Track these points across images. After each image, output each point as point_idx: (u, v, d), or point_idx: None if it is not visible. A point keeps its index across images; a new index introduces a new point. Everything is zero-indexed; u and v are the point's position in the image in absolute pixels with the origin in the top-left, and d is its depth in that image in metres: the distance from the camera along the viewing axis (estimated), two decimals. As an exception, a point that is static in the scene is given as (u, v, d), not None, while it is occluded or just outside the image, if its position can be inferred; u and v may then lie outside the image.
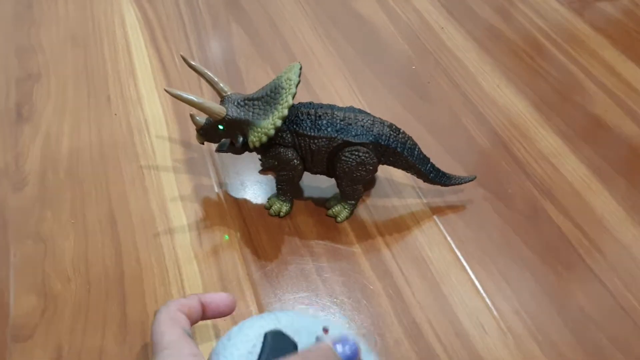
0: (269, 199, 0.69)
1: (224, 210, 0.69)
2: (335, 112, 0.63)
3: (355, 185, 0.66)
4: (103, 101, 0.81)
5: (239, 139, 0.63)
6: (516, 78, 0.90)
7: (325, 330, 0.43)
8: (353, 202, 0.68)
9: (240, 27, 0.96)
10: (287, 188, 0.67)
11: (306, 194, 0.71)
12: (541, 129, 0.82)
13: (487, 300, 0.62)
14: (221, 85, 0.65)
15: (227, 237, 0.66)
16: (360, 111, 0.65)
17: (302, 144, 0.63)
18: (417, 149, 0.66)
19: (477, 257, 0.66)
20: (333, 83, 0.87)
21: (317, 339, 0.42)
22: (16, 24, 0.94)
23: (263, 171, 0.73)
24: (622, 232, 0.70)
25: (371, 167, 0.64)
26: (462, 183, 0.70)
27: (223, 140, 0.67)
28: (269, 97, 0.62)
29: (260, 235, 0.66)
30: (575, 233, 0.69)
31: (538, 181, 0.74)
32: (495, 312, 0.61)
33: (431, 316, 0.61)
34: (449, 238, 0.68)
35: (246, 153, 0.68)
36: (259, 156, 0.68)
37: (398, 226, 0.69)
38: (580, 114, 0.85)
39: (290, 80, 0.61)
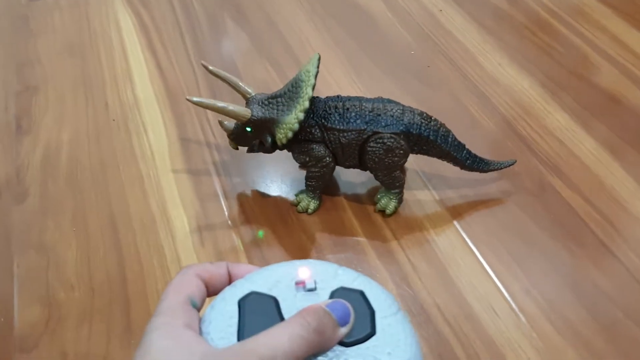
0: (296, 194, 0.68)
1: (225, 210, 0.68)
2: (364, 104, 0.61)
3: (392, 174, 0.64)
4: (101, 108, 0.81)
5: (267, 138, 0.62)
6: (519, 55, 0.88)
7: (302, 282, 0.41)
8: (397, 190, 0.66)
9: (236, 24, 0.95)
10: (317, 185, 0.65)
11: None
12: (546, 105, 0.80)
13: (497, 281, 0.61)
14: (245, 87, 0.64)
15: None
16: (390, 101, 0.63)
17: (332, 138, 0.62)
18: (451, 136, 0.64)
19: (485, 238, 0.65)
20: (332, 73, 0.86)
21: (296, 284, 0.40)
22: (14, 37, 0.94)
23: (302, 167, 0.71)
24: (634, 204, 0.68)
25: (401, 151, 0.61)
26: (501, 168, 0.67)
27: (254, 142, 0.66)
28: (290, 92, 0.61)
29: (266, 236, 0.65)
30: (585, 208, 0.67)
31: (545, 158, 0.73)
32: (505, 294, 0.60)
33: (439, 301, 0.59)
34: (455, 221, 0.66)
35: (250, 155, 0.67)
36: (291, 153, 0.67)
37: (403, 212, 0.67)
38: (586, 87, 0.83)
39: (308, 72, 0.59)
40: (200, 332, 0.37)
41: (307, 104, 0.58)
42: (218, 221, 0.67)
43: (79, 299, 0.60)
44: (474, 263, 0.62)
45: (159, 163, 0.73)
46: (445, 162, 0.66)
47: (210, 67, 0.64)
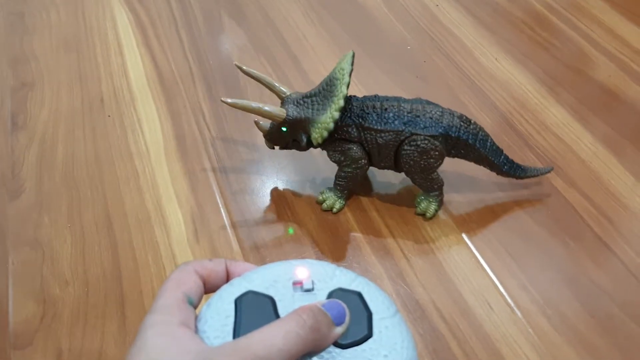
0: (322, 192, 0.67)
1: (220, 206, 0.68)
2: (402, 104, 0.60)
3: (429, 176, 0.63)
4: (97, 104, 0.81)
5: (303, 137, 0.62)
6: (515, 50, 0.88)
7: (299, 282, 0.40)
8: (436, 192, 0.64)
9: (232, 20, 0.95)
10: (347, 185, 0.65)
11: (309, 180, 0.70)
12: (543, 99, 0.80)
13: (493, 276, 0.61)
14: (280, 87, 0.63)
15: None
16: (429, 102, 0.62)
17: (369, 138, 0.61)
18: (489, 140, 0.63)
19: (480, 233, 0.64)
20: (328, 68, 0.85)
21: (294, 284, 0.40)
22: (9, 34, 0.93)
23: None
24: (631, 198, 0.67)
25: (437, 153, 0.60)
26: (538, 175, 0.66)
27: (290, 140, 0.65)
28: (325, 90, 0.60)
29: (260, 228, 0.65)
30: (582, 202, 0.67)
31: (541, 152, 0.73)
32: (501, 289, 0.60)
33: (435, 296, 0.59)
34: (450, 216, 0.66)
35: (246, 152, 0.67)
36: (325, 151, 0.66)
37: (398, 208, 0.67)
38: (583, 82, 0.82)
39: (343, 70, 0.59)
40: (196, 330, 0.37)
41: (342, 102, 0.58)
42: (213, 217, 0.66)
43: (74, 295, 0.60)
44: (470, 258, 0.62)
45: (154, 159, 0.73)
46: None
47: (244, 68, 0.64)
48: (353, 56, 0.59)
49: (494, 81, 0.83)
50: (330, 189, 0.67)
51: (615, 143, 0.74)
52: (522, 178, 0.66)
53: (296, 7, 0.97)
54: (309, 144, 0.63)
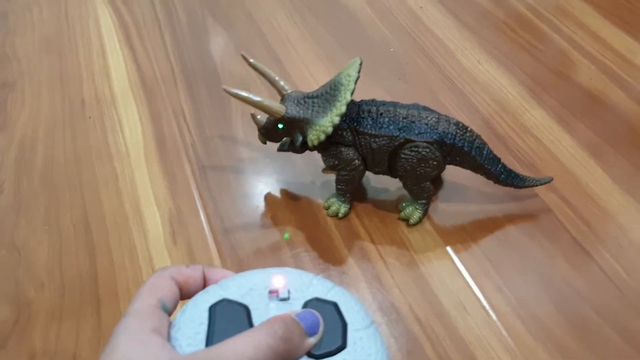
0: (327, 199, 0.67)
1: (199, 208, 0.68)
2: (398, 110, 0.60)
3: (422, 184, 0.62)
4: (77, 105, 0.80)
5: (298, 137, 0.61)
6: (498, 52, 0.88)
7: (275, 291, 0.40)
8: (424, 201, 0.64)
9: (215, 21, 0.95)
10: (347, 188, 0.65)
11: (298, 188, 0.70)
12: (524, 102, 0.80)
13: (468, 278, 0.61)
14: (282, 83, 0.63)
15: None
16: (425, 108, 0.61)
17: (363, 143, 0.61)
18: (486, 149, 0.62)
19: (457, 235, 0.64)
20: (310, 70, 0.85)
21: (269, 292, 0.40)
22: (-9, 34, 0.93)
23: (326, 170, 0.70)
24: (609, 202, 0.68)
25: (435, 162, 0.60)
26: (536, 185, 0.66)
27: (284, 139, 0.65)
28: (328, 94, 0.60)
29: (238, 231, 0.65)
30: (560, 205, 0.67)
31: (521, 155, 0.73)
32: (477, 291, 0.60)
33: (411, 299, 0.59)
34: (427, 218, 0.66)
35: (226, 153, 0.67)
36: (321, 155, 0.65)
37: (377, 211, 0.67)
38: (565, 85, 0.83)
39: (349, 76, 0.59)
40: (169, 337, 0.37)
41: (344, 108, 0.57)
42: (192, 220, 0.66)
43: (49, 297, 0.59)
44: (447, 260, 0.62)
45: (133, 160, 0.73)
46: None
47: (251, 60, 0.63)
48: (360, 64, 0.59)
49: (475, 83, 0.83)
50: (334, 195, 0.67)
51: (594, 146, 0.74)
52: (520, 187, 0.65)
53: (280, 8, 0.97)
54: (304, 145, 0.63)
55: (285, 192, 0.69)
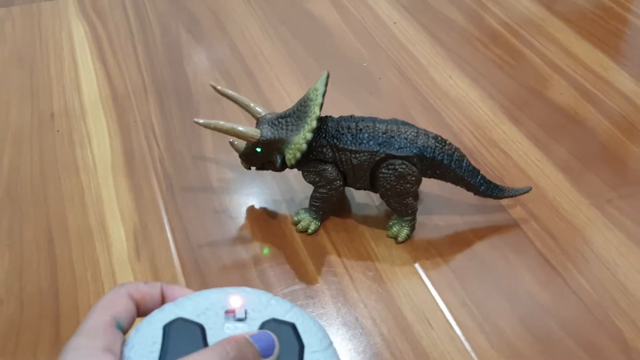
0: (297, 213, 0.67)
1: (165, 224, 0.67)
2: (377, 125, 0.60)
3: (404, 200, 0.62)
4: (46, 118, 0.80)
5: (277, 158, 0.61)
6: (470, 68, 0.89)
7: (232, 311, 0.40)
8: (409, 217, 0.64)
9: (189, 34, 0.95)
10: (322, 206, 0.64)
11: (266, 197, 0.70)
12: (494, 117, 0.80)
13: (434, 292, 0.61)
14: (254, 107, 0.63)
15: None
16: (404, 123, 0.62)
17: (343, 159, 0.61)
18: (465, 161, 0.63)
19: (424, 249, 0.64)
20: (282, 83, 0.85)
21: (226, 312, 0.39)
22: (-38, 47, 0.93)
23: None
24: (575, 215, 0.68)
25: (413, 178, 0.60)
26: (516, 195, 0.66)
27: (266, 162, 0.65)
28: (300, 111, 0.60)
29: (203, 248, 0.65)
30: (526, 219, 0.67)
31: (489, 169, 0.73)
32: (442, 305, 0.59)
33: (375, 314, 0.59)
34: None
35: (194, 168, 0.67)
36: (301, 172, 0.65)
37: (344, 223, 0.67)
38: (535, 99, 0.83)
39: (316, 90, 0.59)
40: (122, 356, 0.36)
41: (314, 123, 0.58)
42: (157, 235, 0.66)
43: (7, 312, 0.59)
44: (412, 273, 0.62)
45: (100, 175, 0.72)
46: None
47: (219, 87, 0.63)
48: (327, 77, 0.59)
49: (446, 98, 0.83)
50: (305, 210, 0.66)
51: (562, 160, 0.74)
52: (500, 198, 0.66)
53: (254, 21, 0.97)
54: (284, 165, 0.63)
55: (252, 208, 0.69)
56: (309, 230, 0.66)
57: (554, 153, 0.75)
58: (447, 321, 0.58)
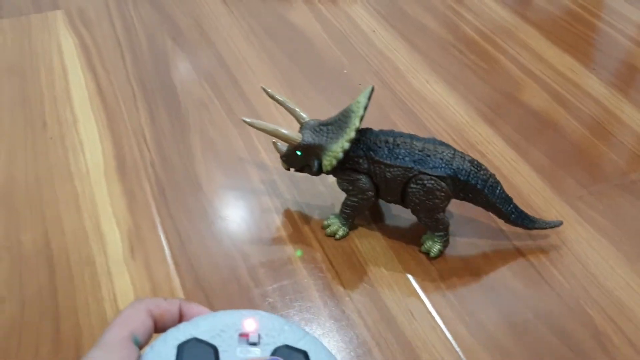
0: (328, 217, 0.69)
1: (158, 225, 0.70)
2: (415, 142, 0.62)
3: (435, 216, 0.64)
4: (39, 126, 0.82)
5: (315, 162, 0.64)
6: (445, 73, 0.92)
7: (246, 334, 0.41)
8: (441, 233, 0.65)
9: (175, 44, 0.98)
10: (352, 214, 0.67)
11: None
12: (469, 119, 0.84)
13: (416, 286, 0.64)
14: (300, 112, 0.66)
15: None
16: (442, 143, 0.63)
17: (377, 171, 0.63)
18: (499, 188, 0.64)
19: (405, 243, 0.68)
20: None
21: (240, 335, 0.41)
22: (-47, 59, 0.95)
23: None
24: (548, 211, 0.72)
25: (442, 194, 0.62)
26: (546, 228, 0.67)
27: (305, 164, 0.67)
28: (341, 121, 0.63)
29: (195, 249, 0.68)
30: (502, 216, 0.71)
31: (466, 169, 0.76)
32: (423, 297, 0.63)
33: (360, 306, 0.62)
34: (377, 228, 0.69)
35: (184, 172, 0.69)
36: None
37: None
38: (508, 102, 0.87)
39: (359, 103, 0.62)
40: None
41: (353, 134, 0.60)
42: (150, 236, 0.68)
43: (9, 312, 0.61)
44: (395, 267, 0.65)
45: (94, 180, 0.75)
46: None
47: (269, 91, 0.66)
48: (371, 91, 0.62)
49: (424, 102, 0.87)
50: (335, 216, 0.69)
51: (536, 160, 0.78)
52: (530, 229, 0.67)
53: (238, 31, 1.01)
54: (321, 170, 0.65)
55: (239, 207, 0.72)
56: (337, 236, 0.68)
57: (527, 153, 0.79)
58: (429, 312, 0.62)
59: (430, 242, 0.66)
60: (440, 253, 0.66)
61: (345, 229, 0.68)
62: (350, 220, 0.68)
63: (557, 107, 0.87)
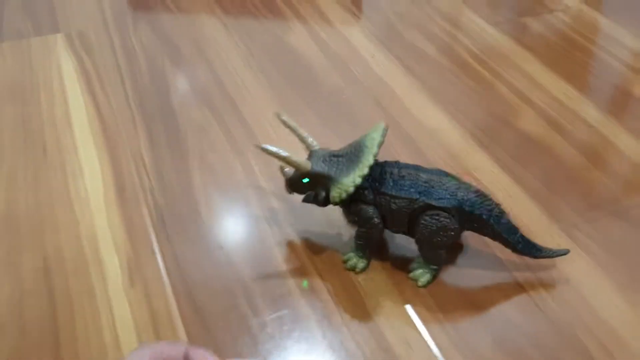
0: (345, 252, 0.69)
1: (157, 253, 0.70)
2: (420, 174, 0.63)
3: (437, 251, 0.65)
4: (39, 151, 0.83)
5: (322, 192, 0.65)
6: (442, 97, 0.93)
7: None
8: (435, 267, 0.66)
9: (175, 67, 0.99)
10: (365, 244, 0.67)
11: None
12: (467, 145, 0.85)
13: (413, 315, 0.64)
14: (310, 140, 0.66)
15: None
16: (447, 174, 0.64)
17: (383, 203, 0.63)
18: (504, 218, 0.64)
19: (403, 272, 0.68)
20: (265, 114, 0.89)
21: None
22: (-46, 82, 0.96)
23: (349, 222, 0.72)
24: (544, 239, 0.72)
25: (452, 233, 0.62)
26: (553, 256, 0.67)
27: (308, 192, 0.68)
28: (352, 154, 0.63)
29: (195, 278, 0.68)
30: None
31: (463, 196, 0.77)
32: (421, 327, 0.63)
33: (358, 336, 0.62)
34: (375, 258, 0.70)
35: (183, 200, 0.70)
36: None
37: (320, 241, 0.71)
38: (504, 127, 0.88)
39: (373, 139, 0.63)
40: None
41: (366, 170, 0.61)
42: (149, 264, 0.69)
43: (9, 338, 0.61)
44: (393, 297, 0.66)
45: (93, 206, 0.75)
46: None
47: (283, 117, 0.67)
48: (385, 129, 0.64)
49: (420, 128, 0.88)
50: (353, 250, 0.69)
51: (531, 187, 0.79)
52: (537, 258, 0.67)
53: (236, 53, 1.02)
54: (326, 201, 0.66)
55: (238, 234, 0.72)
56: (357, 269, 0.68)
57: (523, 179, 0.80)
58: (425, 342, 0.62)
59: (421, 272, 0.67)
60: (428, 284, 0.67)
61: (364, 260, 0.68)
62: (366, 250, 0.68)
63: (553, 132, 0.88)
